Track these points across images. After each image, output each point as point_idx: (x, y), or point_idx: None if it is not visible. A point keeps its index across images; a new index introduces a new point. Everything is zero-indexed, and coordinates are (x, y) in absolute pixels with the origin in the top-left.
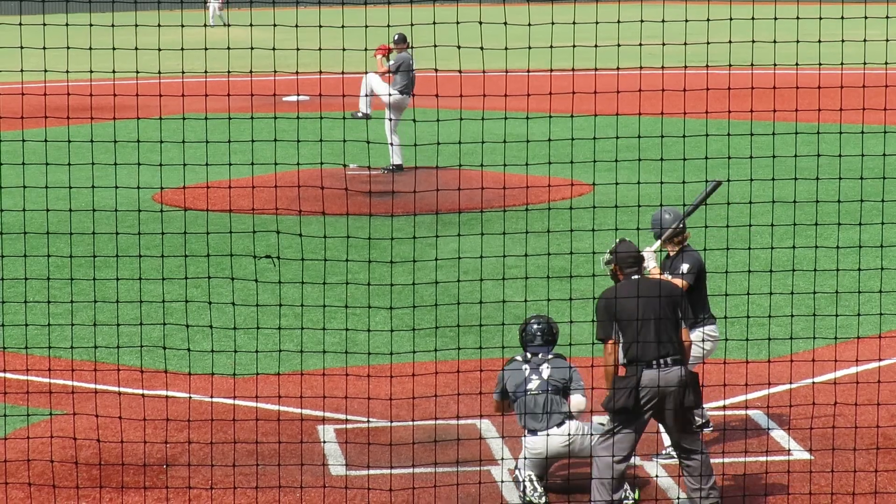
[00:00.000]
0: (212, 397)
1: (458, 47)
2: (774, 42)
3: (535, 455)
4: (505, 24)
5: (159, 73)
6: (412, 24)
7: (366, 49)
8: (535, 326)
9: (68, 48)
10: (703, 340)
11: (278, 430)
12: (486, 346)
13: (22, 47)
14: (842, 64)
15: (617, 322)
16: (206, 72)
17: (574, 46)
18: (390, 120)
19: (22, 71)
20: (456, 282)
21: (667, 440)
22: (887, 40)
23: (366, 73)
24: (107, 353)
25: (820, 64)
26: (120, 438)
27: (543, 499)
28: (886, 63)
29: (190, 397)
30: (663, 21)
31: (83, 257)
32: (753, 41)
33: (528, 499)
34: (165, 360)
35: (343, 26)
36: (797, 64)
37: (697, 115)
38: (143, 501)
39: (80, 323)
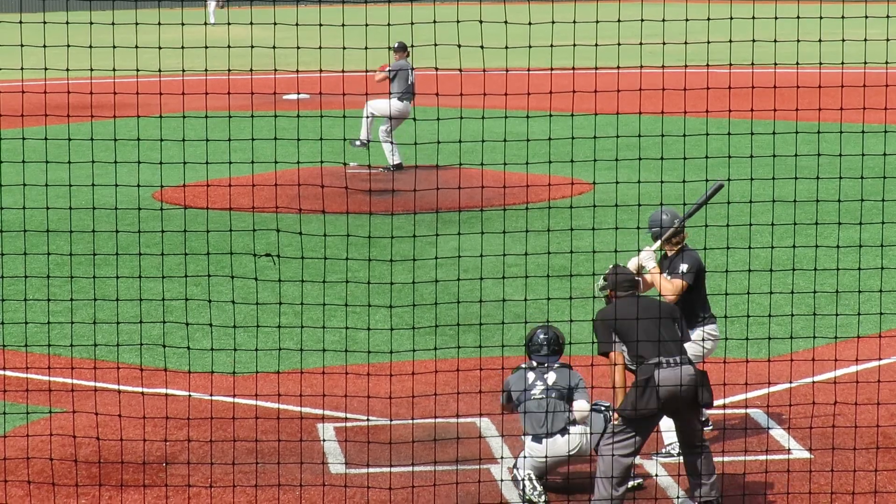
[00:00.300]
0: (211, 395)
1: (459, 46)
2: (775, 41)
3: (537, 461)
4: (505, 22)
5: (159, 71)
6: (412, 23)
7: (366, 48)
8: (542, 336)
9: (69, 46)
10: (703, 340)
11: (278, 428)
12: (486, 344)
13: (22, 45)
14: (842, 63)
15: (618, 334)
16: (206, 70)
17: (574, 45)
18: (388, 122)
19: (22, 69)
20: (456, 280)
21: (666, 439)
22: (888, 39)
23: (366, 95)
24: (106, 352)
25: (820, 63)
26: (119, 436)
27: (543, 497)
28: (887, 62)
29: (189, 395)
30: (664, 20)
31: (83, 255)
32: (754, 40)
33: (527, 497)
34: (165, 359)
35: (343, 25)
36: (798, 63)
37: (698, 113)
38: (143, 499)
39: (80, 321)
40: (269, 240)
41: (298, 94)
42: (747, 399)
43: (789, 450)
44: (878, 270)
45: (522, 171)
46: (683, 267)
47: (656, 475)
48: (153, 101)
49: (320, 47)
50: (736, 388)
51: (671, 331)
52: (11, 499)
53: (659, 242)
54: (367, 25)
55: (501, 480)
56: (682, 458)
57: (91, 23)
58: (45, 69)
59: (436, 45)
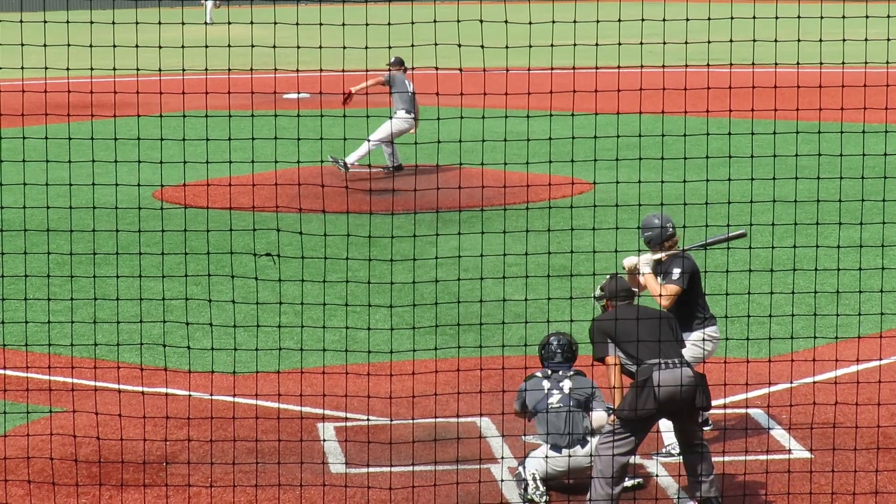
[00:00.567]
0: (211, 395)
1: (459, 45)
2: (776, 41)
3: (555, 469)
4: (506, 22)
5: (160, 70)
6: (412, 23)
7: (366, 47)
8: (556, 343)
9: (69, 45)
10: (703, 341)
11: (278, 427)
12: (486, 344)
13: (23, 44)
14: (843, 63)
15: (616, 339)
16: (206, 69)
17: (575, 45)
18: (391, 145)
19: (23, 68)
20: (456, 280)
21: (666, 439)
22: (888, 39)
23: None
24: (107, 351)
25: (821, 63)
26: (119, 436)
27: (545, 497)
28: (888, 62)
29: (190, 395)
30: (664, 20)
31: (83, 254)
32: (755, 40)
33: (529, 496)
34: (165, 358)
35: (344, 24)
36: (798, 63)
37: (698, 113)
38: (143, 499)
39: (80, 320)
40: (270, 239)
41: (299, 93)
42: (748, 399)
43: (790, 450)
44: (878, 270)
45: (523, 171)
46: (676, 271)
47: (656, 475)
48: (153, 101)
49: (320, 46)
50: (736, 387)
51: (669, 335)
52: (12, 498)
53: (662, 254)
54: (367, 25)
55: (502, 480)
56: (681, 457)
57: (91, 22)
58: (46, 68)
59: (436, 44)
